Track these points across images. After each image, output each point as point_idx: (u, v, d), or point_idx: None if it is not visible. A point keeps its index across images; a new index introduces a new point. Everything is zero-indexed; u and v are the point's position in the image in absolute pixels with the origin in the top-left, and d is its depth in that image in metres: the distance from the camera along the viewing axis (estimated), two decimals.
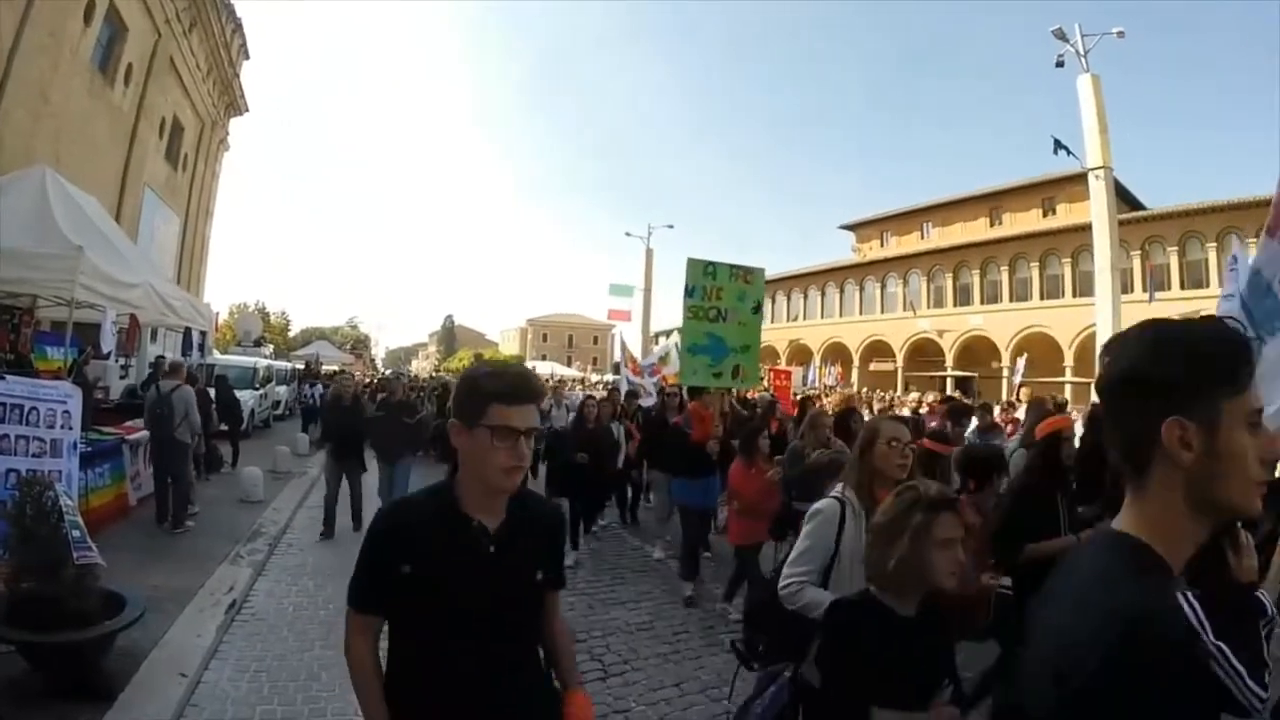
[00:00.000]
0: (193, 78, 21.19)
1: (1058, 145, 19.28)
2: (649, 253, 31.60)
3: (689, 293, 6.66)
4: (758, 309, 7.05)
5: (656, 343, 27.12)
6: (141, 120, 17.37)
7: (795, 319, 40.95)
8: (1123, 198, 23.42)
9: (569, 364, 56.15)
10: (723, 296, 6.75)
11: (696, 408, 6.66)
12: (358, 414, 7.68)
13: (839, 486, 2.55)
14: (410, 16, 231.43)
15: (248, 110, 27.30)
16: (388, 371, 32.56)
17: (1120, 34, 18.88)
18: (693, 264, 6.72)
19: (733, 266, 6.89)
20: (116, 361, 10.71)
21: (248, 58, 26.40)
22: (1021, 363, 20.83)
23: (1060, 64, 19.62)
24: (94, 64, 14.72)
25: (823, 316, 39.21)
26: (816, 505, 2.50)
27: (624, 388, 11.05)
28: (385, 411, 7.67)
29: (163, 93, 18.72)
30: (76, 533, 3.58)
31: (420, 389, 14.69)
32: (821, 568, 2.36)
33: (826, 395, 14.61)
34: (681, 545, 6.26)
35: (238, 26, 24.26)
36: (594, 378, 32.47)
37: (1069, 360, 26.12)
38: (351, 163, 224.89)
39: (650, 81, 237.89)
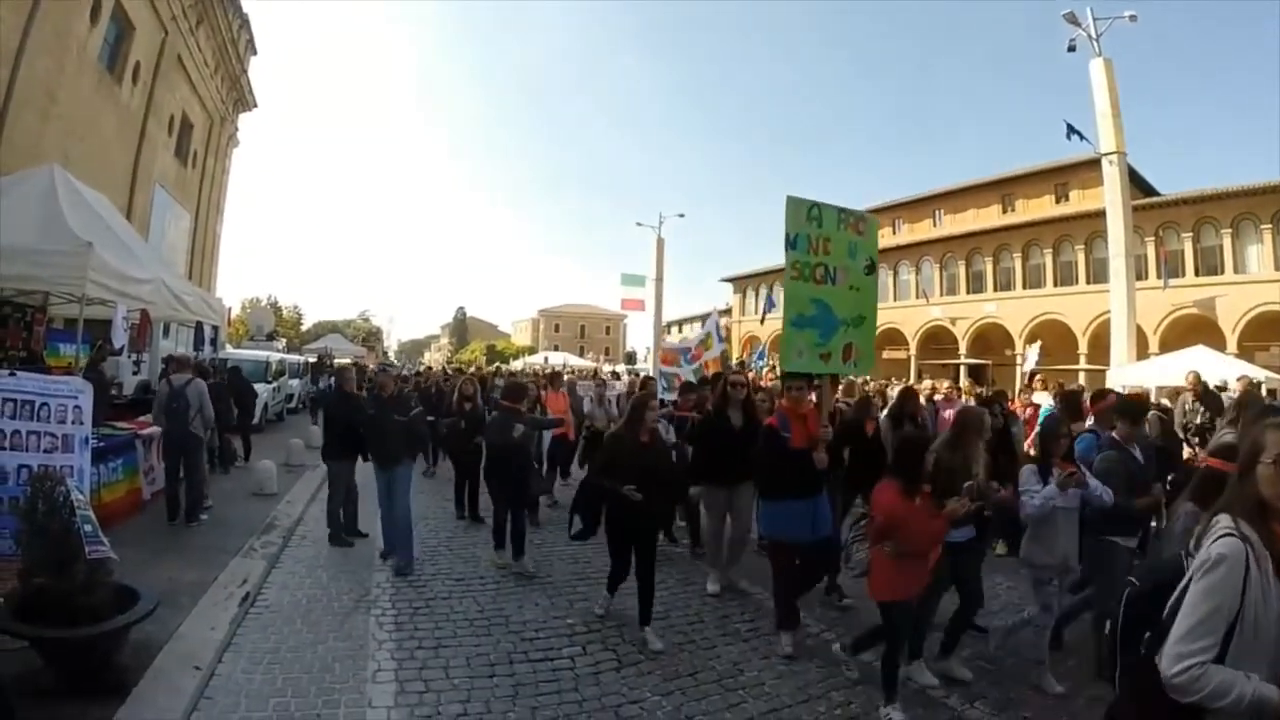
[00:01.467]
0: (200, 74, 21.23)
1: (1070, 130, 19.04)
2: (660, 242, 31.54)
3: (791, 244, 4.88)
4: (871, 269, 5.29)
5: (669, 332, 27.01)
6: (150, 118, 17.42)
7: None
8: (1136, 183, 23.12)
9: (581, 354, 56.30)
10: (831, 250, 5.00)
11: (791, 405, 5.08)
12: (357, 407, 6.93)
13: (1224, 519, 1.77)
14: (423, 7, 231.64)
15: (256, 106, 27.40)
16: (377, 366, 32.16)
17: (1133, 18, 18.60)
18: (794, 204, 4.93)
19: (840, 210, 5.16)
20: (129, 358, 10.78)
21: (255, 53, 26.44)
22: (1034, 350, 20.59)
23: (1072, 48, 19.39)
24: (101, 63, 14.75)
25: None
26: (1216, 548, 1.71)
27: (661, 382, 9.55)
28: (375, 410, 6.66)
29: (171, 90, 18.76)
30: (88, 527, 3.60)
31: (416, 384, 13.67)
32: (1224, 636, 1.67)
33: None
34: (775, 589, 4.93)
35: (244, 22, 24.29)
36: (607, 368, 32.40)
37: (1083, 348, 25.83)
38: (362, 155, 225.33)
39: (658, 75, 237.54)
